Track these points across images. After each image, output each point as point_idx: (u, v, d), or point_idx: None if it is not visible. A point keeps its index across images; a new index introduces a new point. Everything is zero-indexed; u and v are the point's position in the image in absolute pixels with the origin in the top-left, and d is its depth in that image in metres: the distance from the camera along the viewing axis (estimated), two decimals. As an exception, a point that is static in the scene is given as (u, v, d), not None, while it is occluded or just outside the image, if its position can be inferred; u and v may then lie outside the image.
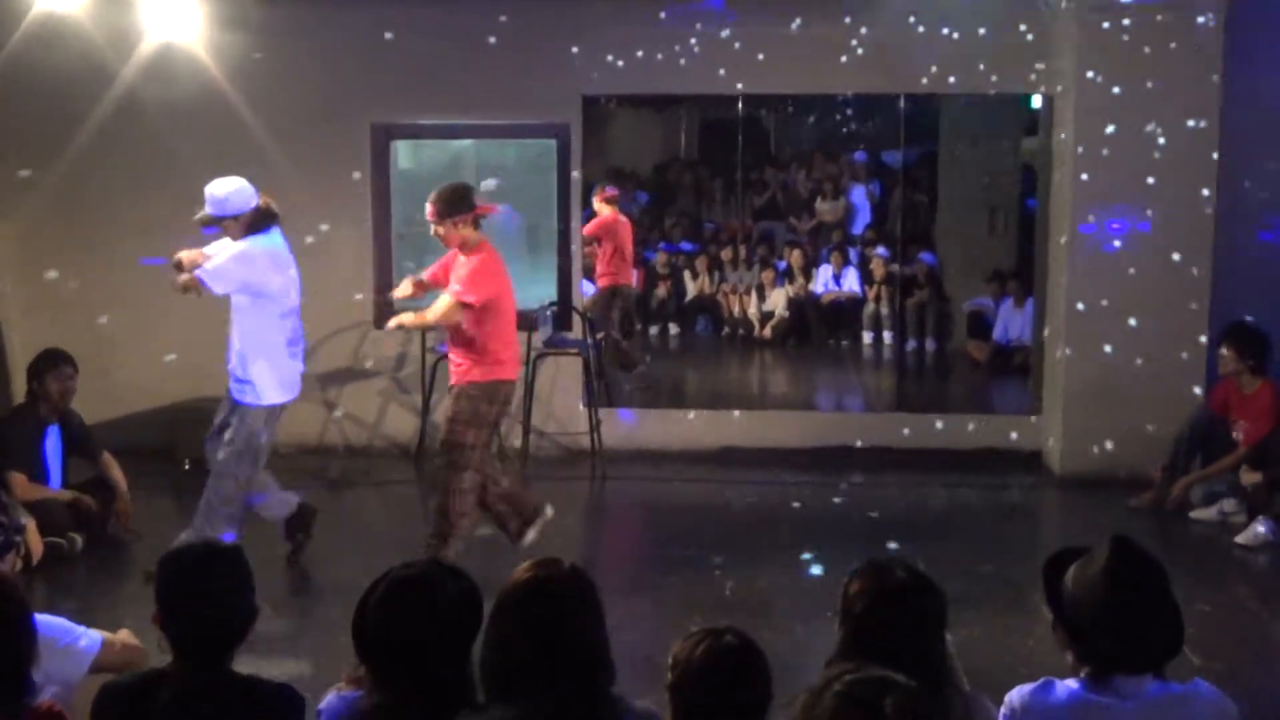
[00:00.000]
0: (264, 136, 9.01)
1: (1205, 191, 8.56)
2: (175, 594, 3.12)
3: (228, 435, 6.58)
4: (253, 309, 6.52)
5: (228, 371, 6.64)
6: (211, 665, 3.09)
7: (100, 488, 7.32)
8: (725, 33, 9.17)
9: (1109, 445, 8.72)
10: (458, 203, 6.46)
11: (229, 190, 6.44)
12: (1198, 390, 8.48)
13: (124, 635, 3.82)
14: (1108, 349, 8.72)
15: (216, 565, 3.18)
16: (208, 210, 6.46)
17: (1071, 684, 2.99)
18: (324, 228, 9.13)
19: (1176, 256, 8.61)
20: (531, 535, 6.74)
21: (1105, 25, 8.53)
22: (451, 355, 6.62)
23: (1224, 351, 7.99)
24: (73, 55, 9.03)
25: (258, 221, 6.49)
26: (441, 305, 6.49)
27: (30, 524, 3.94)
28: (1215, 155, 8.52)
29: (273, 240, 6.54)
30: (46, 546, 5.65)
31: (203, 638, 3.09)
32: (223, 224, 6.47)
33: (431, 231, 6.54)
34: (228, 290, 6.46)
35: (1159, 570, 2.97)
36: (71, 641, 3.54)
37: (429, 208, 6.48)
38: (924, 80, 9.24)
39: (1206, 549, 7.43)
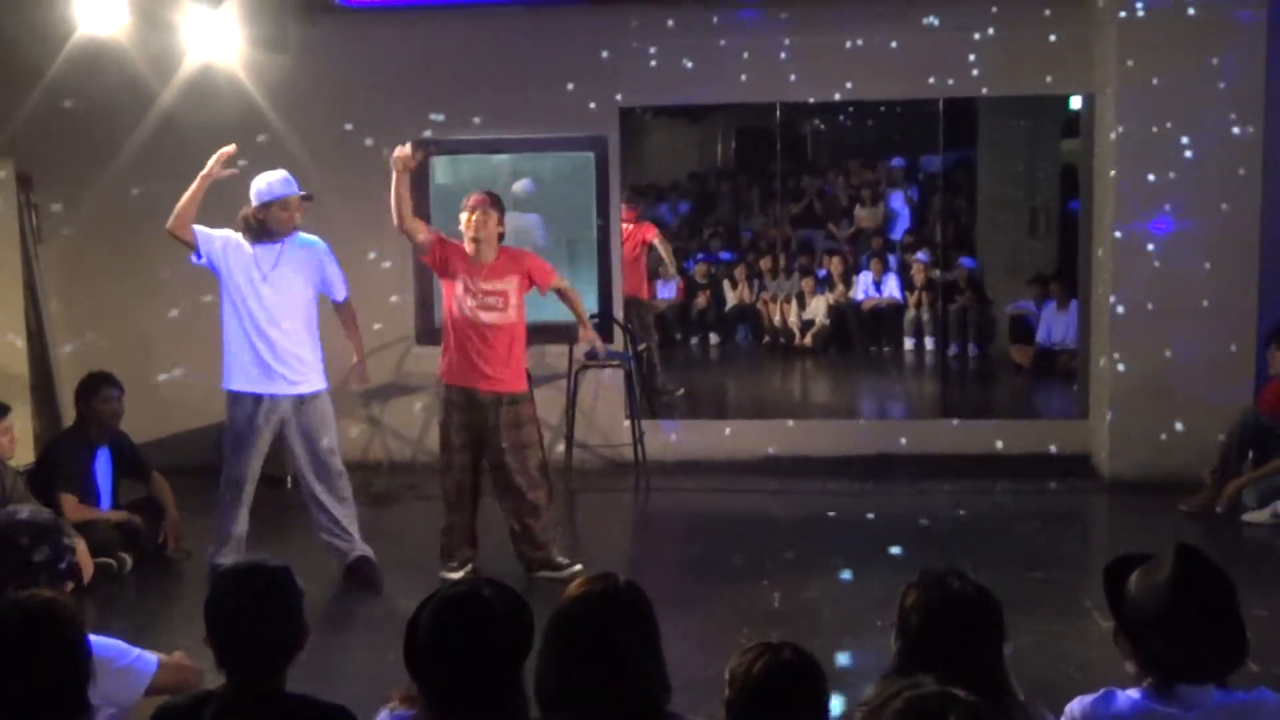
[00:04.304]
0: (303, 155, 9.05)
1: (1251, 191, 8.46)
2: (223, 613, 3.12)
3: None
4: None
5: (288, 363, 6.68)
6: (262, 684, 3.08)
7: (149, 507, 7.36)
8: (763, 41, 9.15)
9: (1158, 448, 8.63)
10: (500, 203, 6.83)
11: (280, 176, 6.65)
12: (1247, 391, 8.38)
13: (179, 657, 3.82)
14: (1154, 351, 8.63)
15: (264, 584, 3.17)
16: (281, 194, 6.59)
17: (1134, 694, 2.95)
18: (365, 246, 9.17)
19: (1223, 257, 8.52)
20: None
21: (1147, 24, 8.46)
22: (510, 362, 6.73)
23: (1273, 352, 7.90)
24: (114, 78, 9.11)
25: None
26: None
27: (80, 545, 3.96)
28: (1261, 154, 8.43)
29: None
30: (95, 567, 5.68)
31: (252, 657, 3.08)
32: (292, 202, 6.63)
33: (471, 220, 6.64)
34: None
35: (1225, 580, 2.92)
36: (128, 662, 3.54)
37: (480, 197, 6.70)
38: (963, 84, 9.19)
39: (1260, 552, 7.33)
